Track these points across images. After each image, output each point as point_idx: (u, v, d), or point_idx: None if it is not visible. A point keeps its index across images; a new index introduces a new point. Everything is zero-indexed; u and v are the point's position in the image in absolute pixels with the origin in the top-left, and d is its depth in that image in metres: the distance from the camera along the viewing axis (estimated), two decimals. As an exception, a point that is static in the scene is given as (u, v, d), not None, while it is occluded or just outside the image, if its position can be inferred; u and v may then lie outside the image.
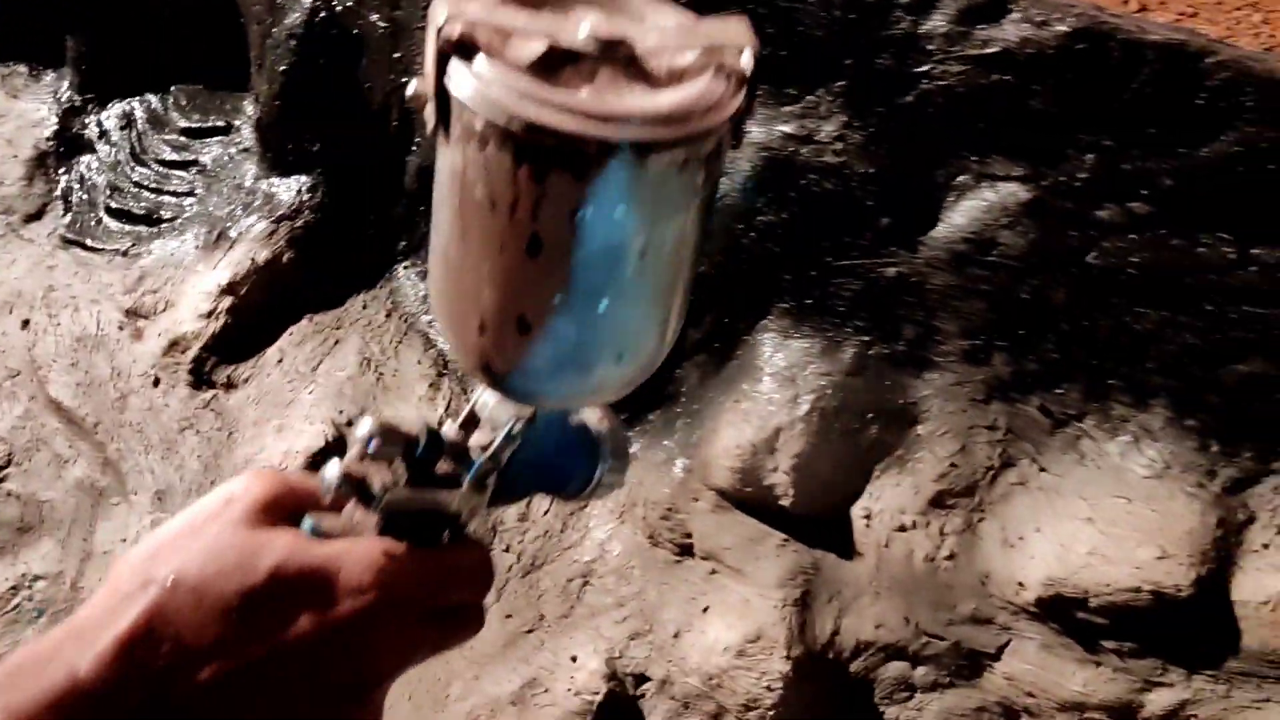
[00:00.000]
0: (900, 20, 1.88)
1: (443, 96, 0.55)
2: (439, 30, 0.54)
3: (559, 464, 0.77)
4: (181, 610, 0.60)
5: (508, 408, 0.70)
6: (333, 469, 0.65)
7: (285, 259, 2.79)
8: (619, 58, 0.56)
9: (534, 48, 0.55)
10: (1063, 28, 1.78)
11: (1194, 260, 1.86)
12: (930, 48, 1.88)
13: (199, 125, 3.23)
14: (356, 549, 0.64)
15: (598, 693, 2.33)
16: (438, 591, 0.68)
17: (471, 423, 0.72)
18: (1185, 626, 1.94)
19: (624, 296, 0.62)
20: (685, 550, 2.38)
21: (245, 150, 3.07)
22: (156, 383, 2.79)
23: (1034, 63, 1.81)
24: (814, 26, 1.95)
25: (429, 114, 0.57)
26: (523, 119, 0.53)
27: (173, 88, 3.34)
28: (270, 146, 2.86)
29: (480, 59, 0.55)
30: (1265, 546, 1.91)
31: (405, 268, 2.85)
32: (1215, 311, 1.87)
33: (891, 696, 2.22)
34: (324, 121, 2.77)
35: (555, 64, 0.56)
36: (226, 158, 3.11)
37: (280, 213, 2.81)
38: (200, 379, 2.77)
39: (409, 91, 0.58)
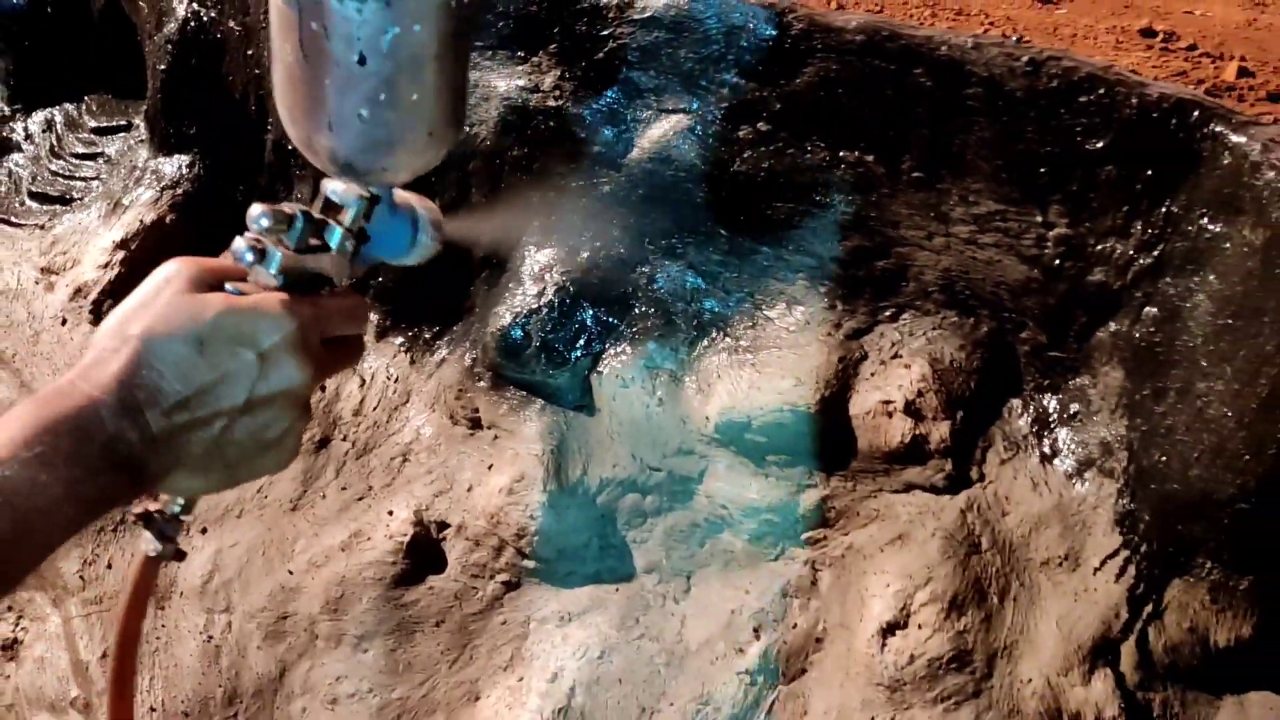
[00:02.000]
0: (587, -3, 2.58)
1: None
2: None
3: (394, 236, 1.00)
4: (159, 352, 0.79)
5: (353, 189, 0.93)
6: (241, 242, 0.87)
7: (169, 220, 3.44)
8: None
9: None
10: (690, -5, 2.48)
11: (803, 163, 2.54)
12: (609, 15, 2.58)
13: (106, 125, 3.89)
14: (271, 296, 0.86)
15: (406, 535, 2.95)
16: (330, 323, 0.90)
17: (329, 208, 0.95)
18: (820, 438, 2.59)
19: (427, 91, 0.87)
20: (475, 424, 3.02)
21: (142, 140, 3.73)
22: (64, 322, 3.42)
23: (675, 22, 2.51)
24: (531, 2, 2.65)
25: None
26: None
27: (86, 96, 4.01)
28: (156, 132, 3.52)
29: None
30: (872, 375, 2.58)
31: (269, 226, 3.50)
32: (823, 200, 2.56)
33: (629, 522, 2.86)
34: (198, 109, 3.44)
35: None
36: (127, 148, 3.77)
37: (164, 183, 3.46)
38: (99, 317, 3.40)
39: None
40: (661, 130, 2.64)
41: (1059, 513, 2.38)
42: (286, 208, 0.88)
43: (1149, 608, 2.24)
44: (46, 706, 2.98)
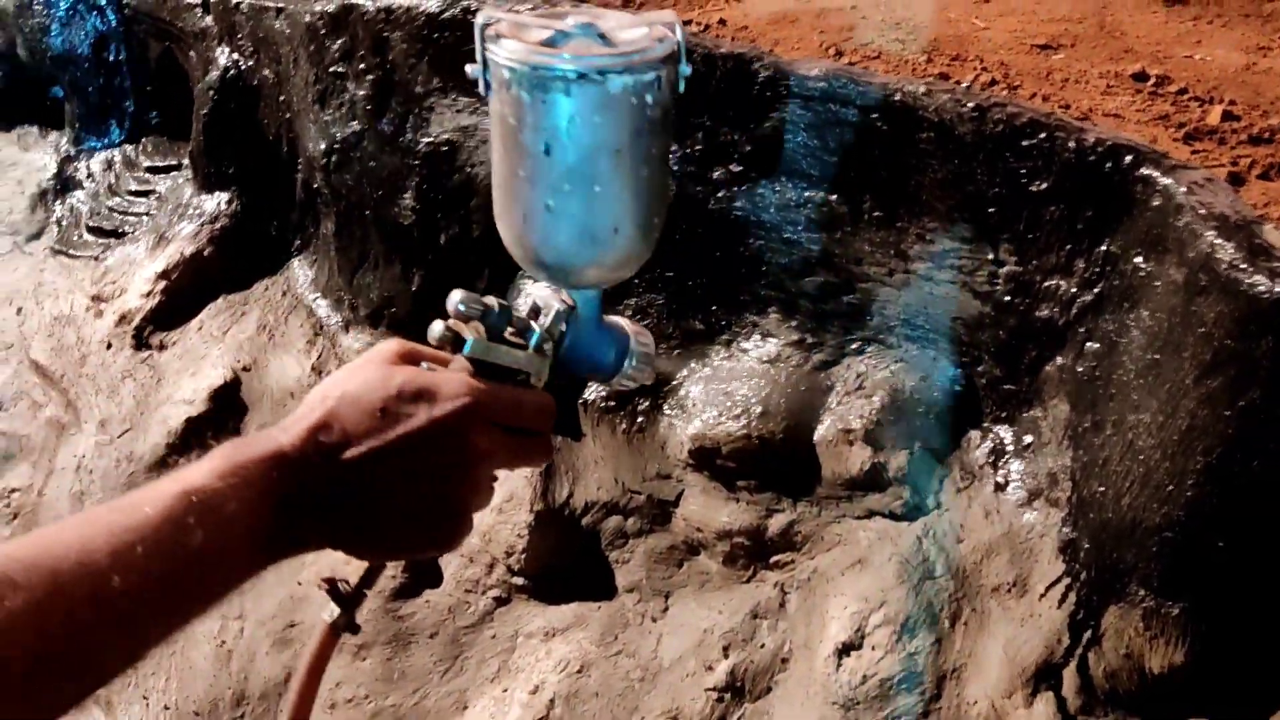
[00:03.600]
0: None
1: (485, 66, 0.88)
2: (483, 27, 0.88)
3: (597, 350, 1.03)
4: (347, 412, 0.87)
5: (554, 295, 0.99)
6: (437, 325, 0.92)
7: (207, 253, 3.71)
8: (593, 35, 0.90)
9: (541, 33, 0.90)
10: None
11: (771, 202, 2.69)
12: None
13: (159, 165, 4.20)
14: (455, 375, 0.92)
15: (405, 550, 3.13)
16: (508, 411, 0.94)
17: (532, 310, 0.99)
18: (787, 465, 2.71)
19: (610, 183, 0.90)
20: (474, 446, 3.20)
21: (189, 179, 4.02)
22: (109, 346, 3.70)
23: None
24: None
25: (480, 81, 0.89)
26: (530, 63, 0.86)
27: (144, 138, 4.34)
28: (199, 171, 3.80)
29: (505, 40, 0.88)
30: (838, 404, 2.69)
31: (298, 260, 3.75)
32: (791, 237, 2.69)
33: (612, 543, 2.99)
34: (235, 151, 3.72)
35: (554, 43, 0.88)
36: (176, 186, 4.07)
37: (204, 218, 3.74)
38: (140, 342, 3.67)
39: (467, 70, 0.90)
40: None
41: (1008, 540, 2.46)
42: (486, 299, 0.93)
43: (1088, 633, 2.30)
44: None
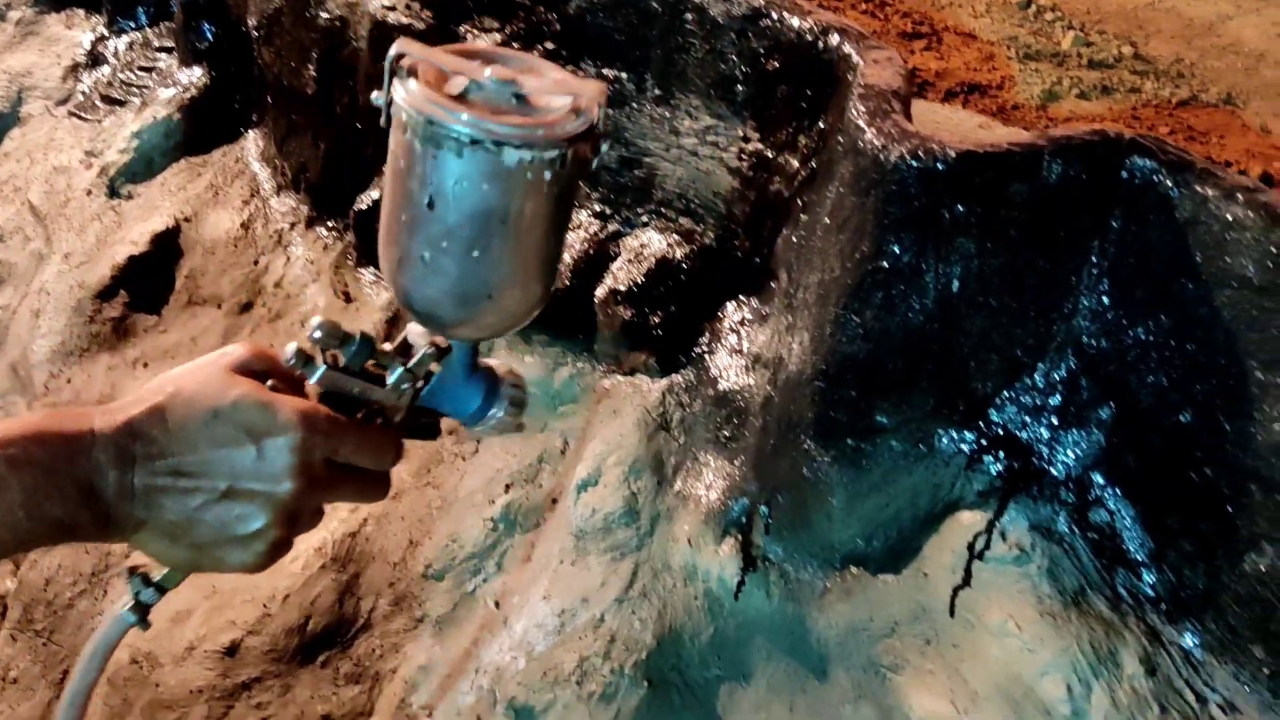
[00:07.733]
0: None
1: (389, 100, 0.85)
2: (395, 59, 0.84)
3: (463, 394, 1.00)
4: (175, 410, 0.84)
5: (426, 336, 0.95)
6: (291, 346, 0.88)
7: (174, 118, 4.19)
8: (508, 94, 0.85)
9: (455, 81, 0.84)
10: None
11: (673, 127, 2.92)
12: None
13: (168, 46, 4.72)
14: (293, 399, 0.88)
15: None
16: (342, 447, 0.89)
17: (404, 348, 0.96)
18: (569, 323, 2.95)
19: (489, 251, 0.86)
20: (348, 298, 3.56)
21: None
22: (89, 193, 4.23)
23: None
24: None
25: (382, 113, 0.86)
26: (427, 114, 0.82)
27: (163, 23, 4.87)
28: (179, 47, 4.28)
29: (412, 81, 0.84)
30: (617, 269, 2.91)
31: (253, 131, 4.18)
32: (691, 152, 2.92)
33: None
34: (207, 29, 4.17)
35: (465, 94, 0.84)
36: (172, 64, 4.57)
37: (178, 89, 4.21)
38: (113, 192, 4.19)
39: (372, 97, 0.87)
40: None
41: (730, 399, 2.65)
42: (347, 328, 0.91)
43: (772, 482, 2.48)
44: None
